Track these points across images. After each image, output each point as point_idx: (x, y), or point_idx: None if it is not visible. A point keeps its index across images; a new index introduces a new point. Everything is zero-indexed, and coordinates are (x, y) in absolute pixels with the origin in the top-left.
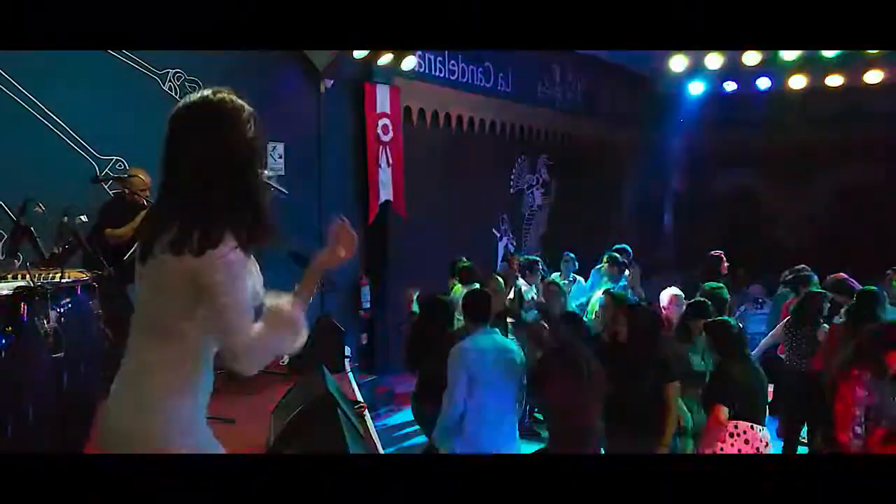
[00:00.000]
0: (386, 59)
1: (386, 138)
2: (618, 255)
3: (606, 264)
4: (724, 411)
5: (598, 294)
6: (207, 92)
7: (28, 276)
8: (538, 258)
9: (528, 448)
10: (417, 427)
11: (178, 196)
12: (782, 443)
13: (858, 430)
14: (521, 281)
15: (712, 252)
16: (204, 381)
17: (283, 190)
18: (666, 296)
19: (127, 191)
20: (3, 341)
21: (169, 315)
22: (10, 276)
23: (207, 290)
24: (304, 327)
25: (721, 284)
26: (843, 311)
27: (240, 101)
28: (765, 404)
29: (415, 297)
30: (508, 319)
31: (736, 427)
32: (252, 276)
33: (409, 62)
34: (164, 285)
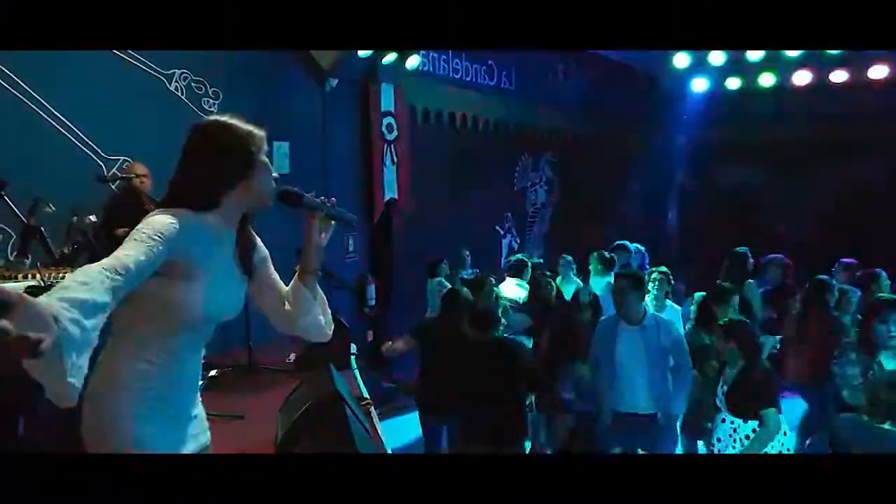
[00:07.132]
0: (390, 58)
1: (391, 137)
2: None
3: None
4: (777, 413)
5: None
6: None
7: (38, 275)
8: (526, 258)
9: None
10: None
11: None
12: None
13: None
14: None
15: (738, 249)
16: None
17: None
18: None
19: (124, 176)
20: None
21: None
22: (20, 276)
23: None
24: None
25: None
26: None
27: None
28: None
29: None
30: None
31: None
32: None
33: (413, 61)
34: None
